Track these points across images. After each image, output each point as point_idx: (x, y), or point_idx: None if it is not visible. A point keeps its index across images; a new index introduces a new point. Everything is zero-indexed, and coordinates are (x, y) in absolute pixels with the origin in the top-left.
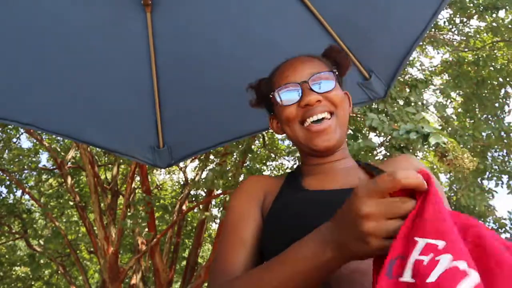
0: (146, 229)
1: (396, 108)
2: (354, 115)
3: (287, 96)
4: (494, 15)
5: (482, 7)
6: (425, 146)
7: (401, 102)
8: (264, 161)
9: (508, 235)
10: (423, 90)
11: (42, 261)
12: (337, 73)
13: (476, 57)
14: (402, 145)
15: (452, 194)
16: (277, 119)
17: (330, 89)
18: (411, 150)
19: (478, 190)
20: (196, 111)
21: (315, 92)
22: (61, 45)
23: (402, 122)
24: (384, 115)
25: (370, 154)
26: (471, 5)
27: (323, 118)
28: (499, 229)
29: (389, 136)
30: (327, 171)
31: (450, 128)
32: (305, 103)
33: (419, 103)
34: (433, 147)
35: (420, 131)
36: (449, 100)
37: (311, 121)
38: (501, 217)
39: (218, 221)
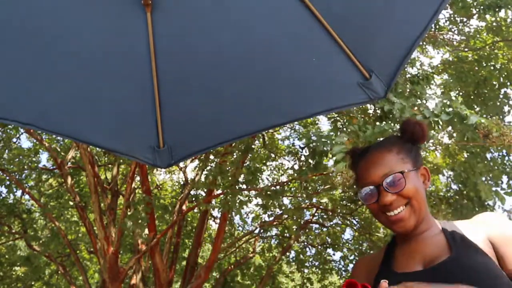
0: (146, 230)
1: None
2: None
3: (367, 197)
4: (496, 14)
5: (483, 6)
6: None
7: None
8: (264, 161)
9: None
10: (425, 85)
11: (41, 262)
12: (409, 169)
13: (476, 56)
14: None
15: (456, 186)
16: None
17: (402, 189)
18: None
19: (483, 185)
20: (196, 111)
21: (390, 192)
22: (61, 45)
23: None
24: (402, 99)
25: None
26: (474, 3)
27: (399, 212)
28: None
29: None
30: (414, 244)
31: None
32: (382, 204)
33: (424, 99)
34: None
35: (454, 112)
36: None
37: (389, 214)
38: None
39: (218, 221)
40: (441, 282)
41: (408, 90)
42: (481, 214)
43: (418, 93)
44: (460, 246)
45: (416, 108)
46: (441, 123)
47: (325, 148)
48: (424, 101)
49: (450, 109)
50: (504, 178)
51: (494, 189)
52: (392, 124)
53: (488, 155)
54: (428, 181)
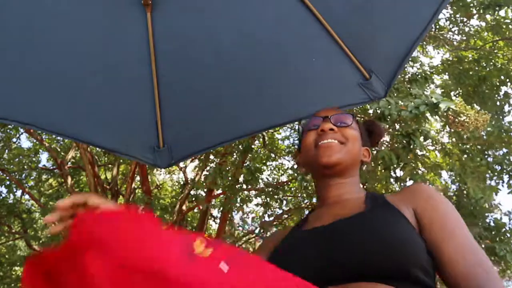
0: None
1: (397, 98)
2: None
3: (310, 123)
4: (496, 13)
5: (484, 5)
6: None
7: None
8: (264, 161)
9: (508, 235)
10: (424, 85)
11: None
12: (357, 120)
13: (477, 55)
14: (410, 132)
15: (455, 186)
16: (301, 153)
17: (345, 125)
18: (420, 136)
19: (483, 184)
20: (196, 111)
21: (332, 123)
22: (61, 45)
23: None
24: (394, 98)
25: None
26: (474, 2)
27: (332, 142)
28: (499, 230)
29: (395, 123)
30: (333, 207)
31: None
32: (321, 128)
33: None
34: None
35: (429, 101)
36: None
37: (322, 142)
38: (503, 213)
39: (218, 221)
40: (343, 235)
41: (405, 88)
42: (411, 185)
43: (416, 93)
44: (377, 205)
45: (402, 106)
46: (425, 115)
47: None
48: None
49: (433, 98)
50: (505, 178)
51: (489, 182)
52: (390, 124)
53: (488, 158)
54: (367, 159)
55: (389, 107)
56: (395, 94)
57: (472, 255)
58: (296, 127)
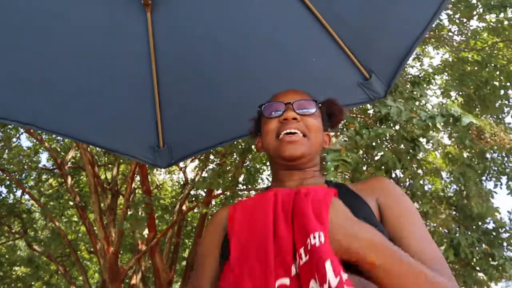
0: (146, 230)
1: (402, 102)
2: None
3: (270, 108)
4: (501, 14)
5: (488, 6)
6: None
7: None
8: (264, 161)
9: (507, 235)
10: (426, 86)
11: (41, 262)
12: (320, 106)
13: (478, 57)
14: (414, 137)
15: (453, 187)
16: (261, 139)
17: (309, 113)
18: (423, 140)
19: (482, 191)
20: (196, 111)
21: (295, 111)
22: (61, 45)
23: (414, 112)
24: (399, 103)
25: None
26: (478, 3)
27: (295, 133)
28: (499, 230)
29: (399, 126)
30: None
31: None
32: (284, 117)
33: (422, 101)
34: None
35: (448, 114)
36: (449, 100)
37: (285, 132)
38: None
39: None
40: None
41: (407, 92)
42: (374, 178)
43: (418, 95)
44: (341, 192)
45: (413, 113)
46: (437, 125)
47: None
48: (423, 102)
49: (445, 111)
50: (504, 179)
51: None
52: (392, 126)
53: (488, 156)
54: (327, 145)
55: (398, 113)
56: (400, 100)
57: (430, 249)
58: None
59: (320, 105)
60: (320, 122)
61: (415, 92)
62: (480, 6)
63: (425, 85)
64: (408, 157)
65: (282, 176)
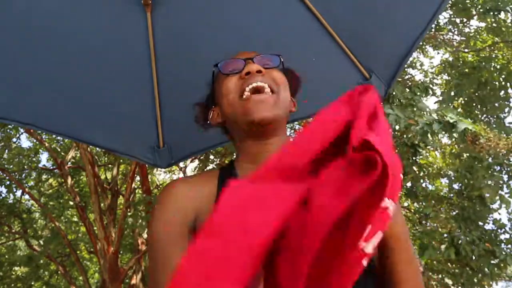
0: (147, 229)
1: (399, 106)
2: None
3: (230, 66)
4: (496, 17)
5: (483, 9)
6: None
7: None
8: None
9: (507, 235)
10: (423, 96)
11: (41, 262)
12: (283, 61)
13: (478, 58)
14: (415, 143)
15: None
16: (217, 109)
17: (274, 66)
18: (421, 148)
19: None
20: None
21: (260, 66)
22: (61, 45)
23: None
24: (397, 110)
25: None
26: (474, 6)
27: (263, 89)
28: (499, 230)
29: (399, 133)
30: (260, 162)
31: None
32: (246, 71)
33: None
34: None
35: (444, 120)
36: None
37: (250, 87)
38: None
39: None
40: None
41: (406, 98)
42: None
43: (416, 102)
44: None
45: (411, 119)
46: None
47: None
48: (421, 111)
49: (441, 117)
50: (505, 179)
51: (500, 192)
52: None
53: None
54: (293, 108)
55: (397, 120)
56: (397, 104)
57: (416, 271)
58: (296, 127)
59: (282, 61)
60: (284, 76)
61: (412, 100)
62: (476, 9)
63: (423, 95)
64: (410, 162)
65: (250, 147)
